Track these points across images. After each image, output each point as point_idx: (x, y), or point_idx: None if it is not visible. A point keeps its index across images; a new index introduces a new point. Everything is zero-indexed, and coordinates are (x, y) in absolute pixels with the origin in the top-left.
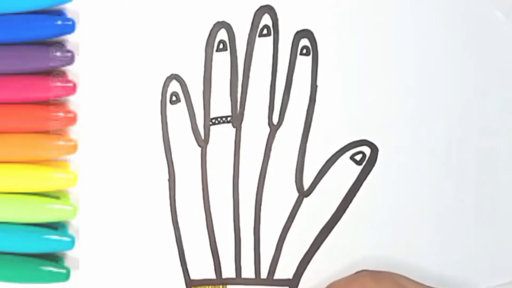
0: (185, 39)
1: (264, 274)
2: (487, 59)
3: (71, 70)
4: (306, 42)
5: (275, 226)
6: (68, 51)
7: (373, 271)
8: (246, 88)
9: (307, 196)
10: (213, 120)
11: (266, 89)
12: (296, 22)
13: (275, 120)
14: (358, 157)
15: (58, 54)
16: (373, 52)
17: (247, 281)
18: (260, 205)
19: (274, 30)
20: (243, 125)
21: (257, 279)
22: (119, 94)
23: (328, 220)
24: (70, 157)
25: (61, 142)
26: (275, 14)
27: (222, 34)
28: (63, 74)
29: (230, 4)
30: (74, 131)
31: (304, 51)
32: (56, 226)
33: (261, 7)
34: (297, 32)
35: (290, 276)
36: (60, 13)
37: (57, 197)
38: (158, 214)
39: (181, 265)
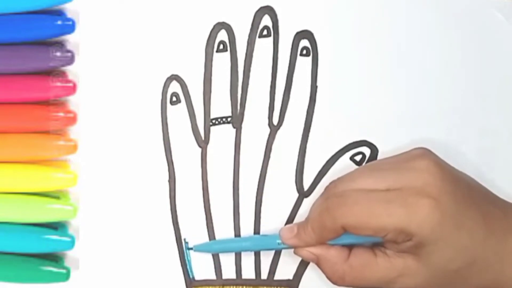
0: (185, 40)
1: (264, 275)
2: (486, 60)
3: (71, 70)
4: (306, 43)
5: (275, 226)
6: (68, 51)
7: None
8: (246, 88)
9: (307, 196)
10: (213, 121)
11: (266, 90)
12: (296, 23)
13: (275, 120)
14: (358, 158)
15: (58, 54)
16: (373, 53)
17: (248, 282)
18: (260, 205)
19: (274, 31)
20: (243, 125)
21: (258, 280)
22: (119, 94)
23: None
24: (70, 157)
25: (61, 142)
26: (275, 15)
27: (222, 35)
28: (63, 74)
29: (230, 5)
30: (74, 131)
31: (304, 51)
32: (56, 226)
33: (261, 8)
34: (297, 33)
35: (291, 277)
36: (60, 13)
37: (57, 197)
38: (159, 214)
39: (181, 265)
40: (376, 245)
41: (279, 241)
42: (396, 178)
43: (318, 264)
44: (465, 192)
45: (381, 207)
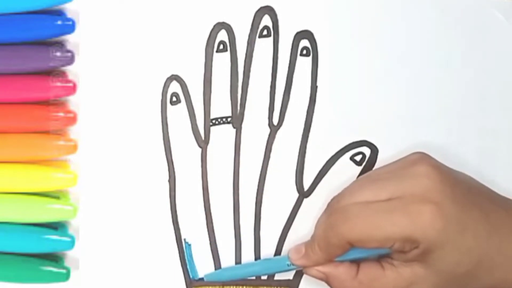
0: (186, 39)
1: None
2: (486, 60)
3: (71, 70)
4: (306, 43)
5: (275, 226)
6: (68, 51)
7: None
8: (246, 88)
9: (307, 196)
10: (213, 121)
11: (266, 90)
12: (296, 23)
13: (275, 120)
14: (358, 158)
15: (58, 54)
16: (373, 53)
17: (248, 282)
18: (260, 205)
19: (274, 31)
20: (243, 125)
21: (258, 280)
22: (119, 94)
23: None
24: (70, 157)
25: (61, 142)
26: (275, 15)
27: (222, 35)
28: (63, 74)
29: (230, 5)
30: (74, 131)
31: (304, 52)
32: (56, 226)
33: (261, 8)
34: (297, 33)
35: (291, 277)
36: (60, 13)
37: (57, 197)
38: (159, 214)
39: (181, 265)
40: (383, 258)
41: (288, 262)
42: (396, 186)
43: (328, 282)
44: (465, 193)
45: (384, 217)
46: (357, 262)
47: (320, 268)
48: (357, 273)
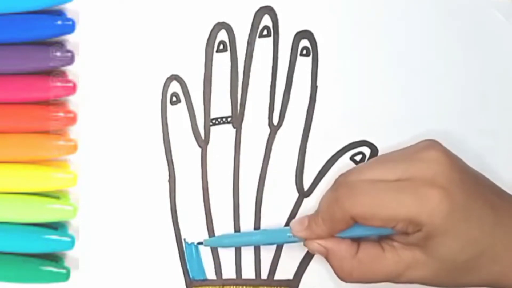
0: (186, 39)
1: (264, 275)
2: (486, 60)
3: (71, 70)
4: (306, 43)
5: (275, 226)
6: (68, 51)
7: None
8: (246, 88)
9: (307, 196)
10: (213, 121)
11: (266, 90)
12: (296, 23)
13: (275, 120)
14: (358, 158)
15: (58, 54)
16: (373, 53)
17: (248, 282)
18: (260, 205)
19: (274, 31)
20: (243, 125)
21: (258, 280)
22: (119, 94)
23: None
24: (70, 157)
25: (61, 142)
26: (275, 15)
27: (223, 35)
28: (63, 74)
29: (230, 5)
30: (74, 131)
31: (304, 51)
32: (56, 226)
33: (261, 8)
34: (297, 33)
35: (291, 277)
36: (60, 13)
37: (57, 197)
38: (159, 214)
39: (181, 265)
40: (384, 239)
41: (290, 234)
42: (406, 168)
43: (327, 258)
44: (473, 183)
45: (390, 196)
46: (357, 241)
47: (322, 242)
48: (357, 252)
